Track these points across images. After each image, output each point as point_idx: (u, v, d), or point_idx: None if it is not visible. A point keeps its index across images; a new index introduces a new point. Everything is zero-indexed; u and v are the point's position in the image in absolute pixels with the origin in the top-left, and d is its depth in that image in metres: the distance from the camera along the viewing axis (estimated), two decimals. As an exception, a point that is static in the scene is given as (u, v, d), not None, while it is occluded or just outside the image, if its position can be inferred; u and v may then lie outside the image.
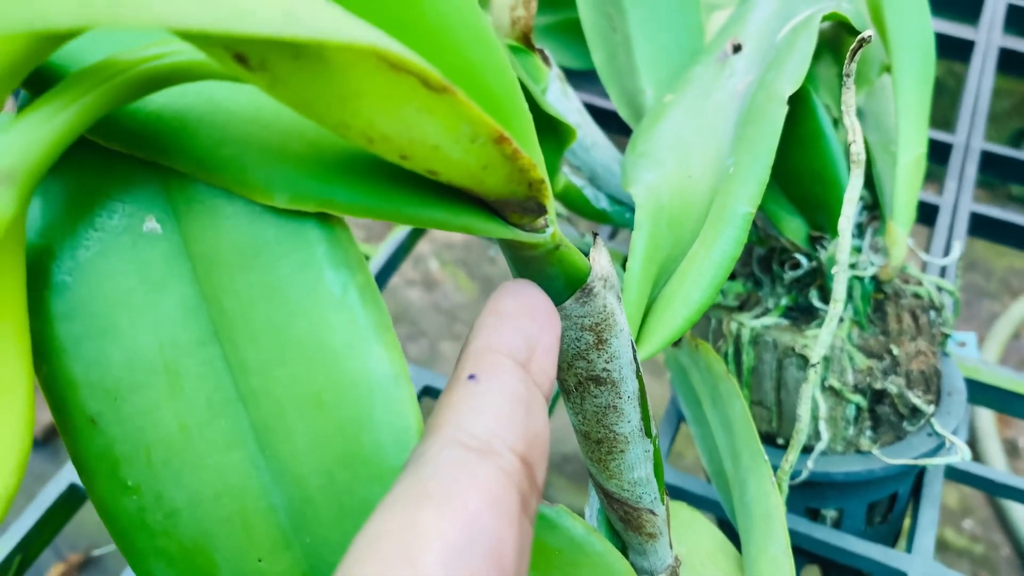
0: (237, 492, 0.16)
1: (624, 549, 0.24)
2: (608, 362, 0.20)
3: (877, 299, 0.36)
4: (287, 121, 0.15)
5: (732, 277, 0.38)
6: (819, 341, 0.24)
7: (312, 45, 0.12)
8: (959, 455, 0.34)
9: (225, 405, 0.15)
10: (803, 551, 0.38)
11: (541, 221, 0.17)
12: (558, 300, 0.19)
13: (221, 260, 0.15)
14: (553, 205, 0.17)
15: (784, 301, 0.36)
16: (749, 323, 0.35)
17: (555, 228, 0.18)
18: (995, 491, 0.38)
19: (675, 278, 0.24)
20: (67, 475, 0.38)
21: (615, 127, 0.50)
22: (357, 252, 0.15)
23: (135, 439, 0.15)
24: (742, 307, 0.37)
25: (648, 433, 0.22)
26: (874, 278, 0.36)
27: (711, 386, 0.30)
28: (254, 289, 0.15)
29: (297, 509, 0.16)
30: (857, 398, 0.34)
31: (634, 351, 0.20)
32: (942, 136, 0.53)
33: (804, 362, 0.34)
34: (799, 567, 0.40)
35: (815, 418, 0.34)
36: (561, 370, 0.21)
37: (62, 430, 0.15)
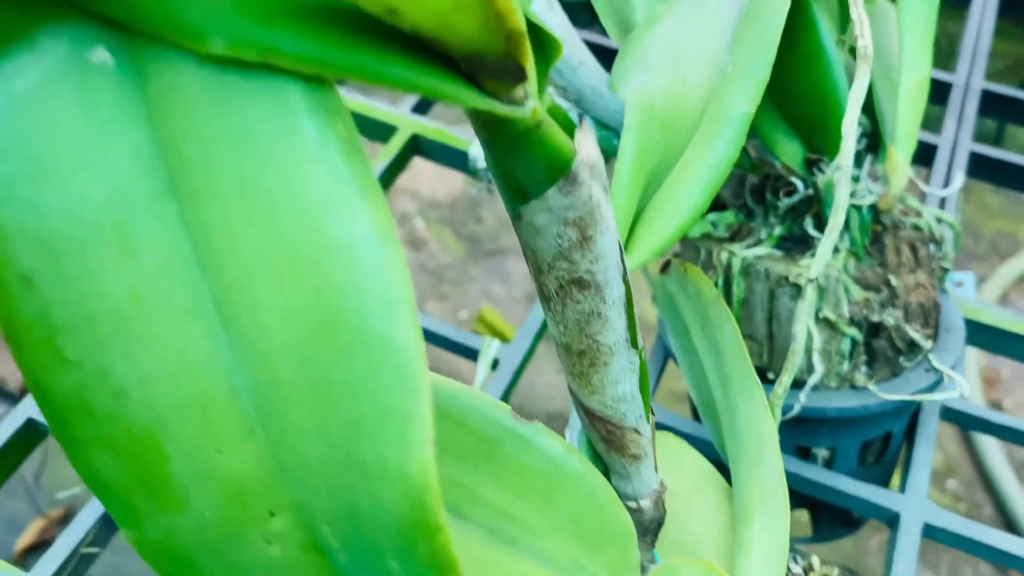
0: (195, 372, 0.14)
1: (607, 474, 0.23)
2: (592, 263, 0.18)
3: (875, 231, 0.35)
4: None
5: (723, 207, 0.36)
6: (818, 254, 0.23)
7: None
8: (957, 391, 0.33)
9: (183, 270, 0.14)
10: (792, 492, 0.37)
11: (520, 91, 0.15)
12: (538, 189, 0.17)
13: (182, 102, 0.13)
14: (534, 71, 0.15)
15: (777, 231, 0.34)
16: (741, 253, 0.33)
17: (536, 103, 0.16)
18: (992, 432, 0.37)
19: (667, 185, 0.22)
20: (25, 410, 0.36)
21: (608, 67, 0.48)
22: (338, 100, 0.13)
23: (78, 305, 0.13)
24: (733, 238, 0.35)
25: (634, 344, 0.20)
26: (872, 208, 0.34)
27: (700, 312, 0.28)
28: (220, 136, 0.13)
29: (263, 392, 0.14)
30: (853, 331, 0.33)
31: (621, 252, 0.19)
32: (942, 75, 0.51)
33: (797, 291, 0.32)
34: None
35: (808, 351, 0.32)
36: (541, 273, 0.19)
37: None
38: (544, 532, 0.21)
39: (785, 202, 0.34)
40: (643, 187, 0.22)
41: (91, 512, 0.34)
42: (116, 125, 0.14)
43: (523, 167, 0.17)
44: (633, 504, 0.23)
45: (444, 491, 0.21)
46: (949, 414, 0.37)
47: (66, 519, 0.98)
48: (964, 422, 0.37)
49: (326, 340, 0.14)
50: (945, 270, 0.36)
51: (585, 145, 0.17)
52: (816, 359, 0.32)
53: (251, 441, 0.15)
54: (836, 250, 0.34)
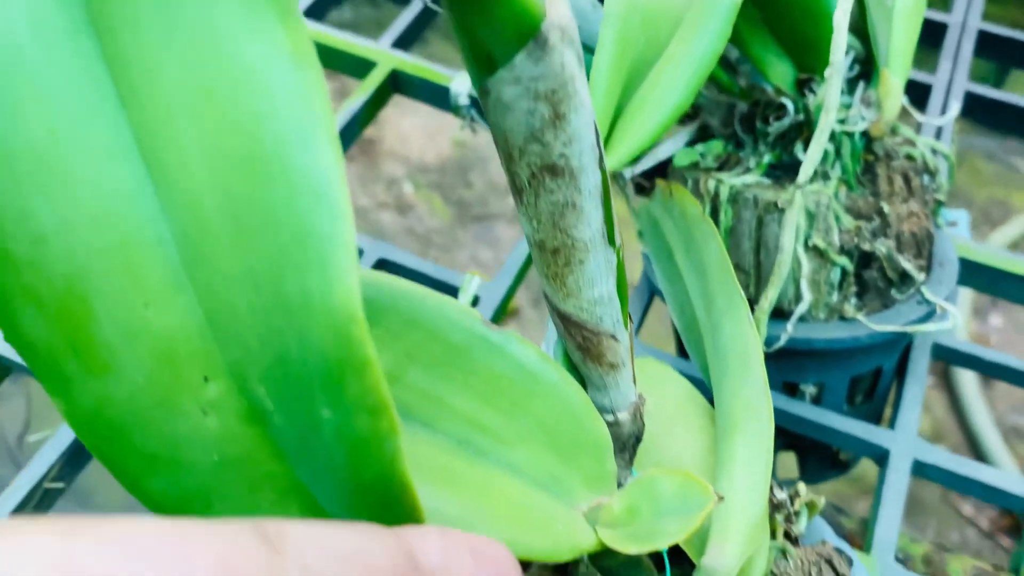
0: (117, 217, 0.13)
1: (583, 387, 0.22)
2: (566, 145, 0.17)
3: (868, 160, 0.34)
4: None
5: (712, 137, 0.35)
6: (808, 158, 0.22)
7: None
8: (950, 322, 0.32)
9: (103, 107, 0.13)
10: (780, 430, 0.36)
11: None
12: (505, 55, 0.16)
13: None
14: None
15: (767, 158, 0.33)
16: (728, 181, 0.32)
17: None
18: (983, 369, 0.36)
19: (648, 81, 0.21)
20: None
21: None
22: None
23: None
24: (721, 168, 0.34)
25: (611, 240, 0.19)
26: (865, 135, 0.33)
27: (685, 232, 0.27)
28: None
29: (188, 239, 0.13)
30: (843, 260, 0.32)
31: (597, 136, 0.18)
32: (938, 16, 0.50)
33: (781, 216, 0.31)
34: (774, 451, 0.37)
35: (797, 280, 0.31)
36: (512, 160, 0.18)
37: None
38: (516, 442, 0.20)
39: (775, 127, 0.32)
40: (623, 83, 0.21)
41: (55, 447, 0.32)
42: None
43: (488, 29, 0.16)
44: (610, 417, 0.22)
45: (413, 401, 0.20)
46: (940, 351, 0.36)
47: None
48: (955, 359, 0.36)
49: (247, 172, 0.12)
50: (939, 202, 0.35)
51: (556, 6, 0.16)
52: (804, 287, 0.31)
53: (180, 294, 0.14)
54: (827, 177, 0.32)
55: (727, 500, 0.21)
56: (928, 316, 0.33)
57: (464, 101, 0.45)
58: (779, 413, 0.34)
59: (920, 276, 0.33)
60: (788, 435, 0.37)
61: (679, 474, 0.20)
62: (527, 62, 0.16)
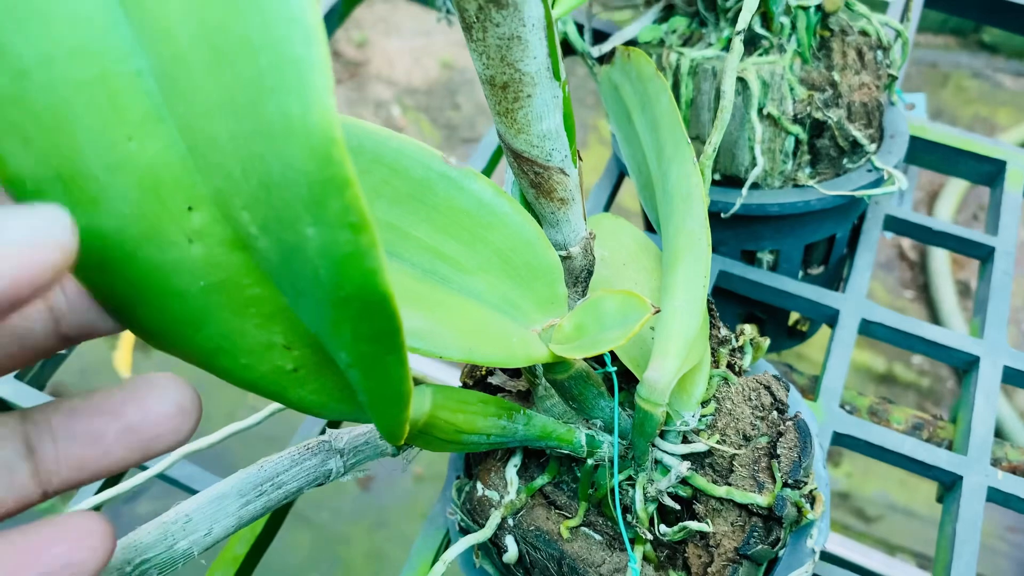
0: (95, 50, 0.14)
1: (538, 223, 0.24)
2: (509, -24, 0.19)
3: (823, 36, 0.35)
4: None
5: (675, 13, 0.36)
6: (740, 19, 0.23)
7: None
8: (896, 186, 0.33)
9: None
10: (738, 297, 0.38)
11: None
12: None
13: None
14: None
15: (727, 33, 0.34)
16: (689, 54, 0.34)
17: None
18: (930, 239, 0.38)
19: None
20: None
21: None
22: None
23: None
24: (685, 45, 0.36)
25: (556, 74, 0.21)
26: (819, 8, 0.34)
27: (641, 92, 0.28)
28: None
29: (165, 69, 0.14)
30: (796, 129, 0.33)
31: (538, -30, 0.19)
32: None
33: (743, 87, 0.33)
34: (734, 317, 0.40)
35: (751, 147, 0.33)
36: (461, -4, 0.19)
37: None
38: (475, 270, 0.22)
39: (733, 2, 0.34)
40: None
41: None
42: None
43: None
44: (563, 252, 0.24)
45: (380, 234, 0.22)
46: (891, 223, 0.38)
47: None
48: (905, 230, 0.38)
49: (221, 1, 0.14)
50: (892, 77, 0.36)
51: None
52: (759, 154, 0.33)
53: (161, 125, 0.15)
54: (782, 49, 0.34)
55: (666, 319, 0.23)
56: (877, 183, 0.34)
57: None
58: (738, 279, 0.36)
59: (871, 147, 0.35)
60: (747, 302, 0.39)
61: (621, 293, 0.22)
62: None
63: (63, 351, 0.30)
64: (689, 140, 0.25)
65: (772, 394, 0.26)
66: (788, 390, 0.26)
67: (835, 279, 0.40)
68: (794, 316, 0.42)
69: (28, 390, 0.34)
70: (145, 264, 0.16)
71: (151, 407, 0.17)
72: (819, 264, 0.39)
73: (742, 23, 0.24)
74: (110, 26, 0.14)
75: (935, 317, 1.01)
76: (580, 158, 0.23)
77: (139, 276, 0.16)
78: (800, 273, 0.38)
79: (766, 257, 0.37)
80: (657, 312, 0.21)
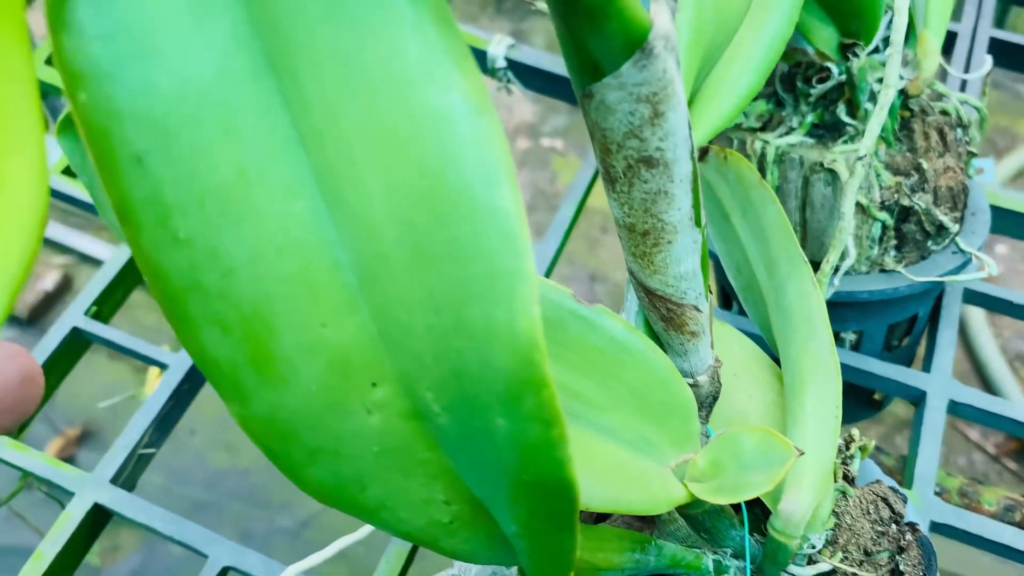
0: (300, 247, 0.14)
1: (664, 352, 0.24)
2: (662, 140, 0.19)
3: (904, 116, 0.35)
4: None
5: (754, 98, 0.36)
6: (868, 131, 0.23)
7: None
8: (985, 271, 0.33)
9: (285, 147, 0.14)
10: (820, 375, 0.38)
11: (600, -38, 0.16)
12: (614, 64, 0.17)
13: None
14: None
15: (810, 118, 0.34)
16: (774, 142, 0.34)
17: (615, -27, 0.16)
18: (1011, 312, 0.38)
19: (721, 64, 0.22)
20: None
21: None
22: None
23: (188, 184, 0.14)
24: (764, 128, 0.35)
25: (697, 222, 0.21)
26: (902, 92, 0.34)
27: (742, 197, 0.28)
28: (316, 11, 0.13)
29: (366, 264, 0.14)
30: (883, 215, 0.33)
31: (689, 128, 0.19)
32: (961, -40, 0.50)
33: (832, 177, 0.33)
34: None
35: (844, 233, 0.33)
36: (609, 153, 0.19)
37: (104, 173, 0.13)
38: (608, 407, 0.22)
39: (818, 89, 0.34)
40: (697, 68, 0.22)
41: (145, 415, 0.34)
42: (213, 3, 0.14)
43: (598, 40, 0.17)
44: (690, 380, 0.24)
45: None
46: (972, 296, 0.38)
47: (83, 438, 1.00)
48: (987, 304, 0.38)
49: (430, 209, 0.14)
50: (972, 154, 0.36)
51: (660, 17, 0.17)
52: (850, 244, 0.33)
53: (355, 314, 0.15)
54: (862, 135, 0.34)
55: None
56: (964, 265, 0.34)
57: (501, 64, 0.46)
58: (821, 360, 0.36)
59: (954, 227, 0.35)
60: (828, 379, 0.39)
61: (758, 430, 0.22)
62: (633, 70, 0.17)
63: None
64: (805, 258, 0.25)
65: (890, 506, 0.26)
66: (905, 502, 0.26)
67: (913, 352, 0.40)
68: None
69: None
70: (324, 433, 0.16)
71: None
72: (899, 341, 0.39)
73: (864, 149, 0.24)
74: (315, 224, 0.14)
75: (984, 381, 0.99)
76: (711, 291, 0.23)
77: (316, 443, 0.16)
78: (881, 349, 0.38)
79: (849, 336, 0.37)
80: (801, 455, 0.21)
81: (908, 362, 0.40)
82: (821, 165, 0.33)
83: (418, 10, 0.14)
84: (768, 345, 0.29)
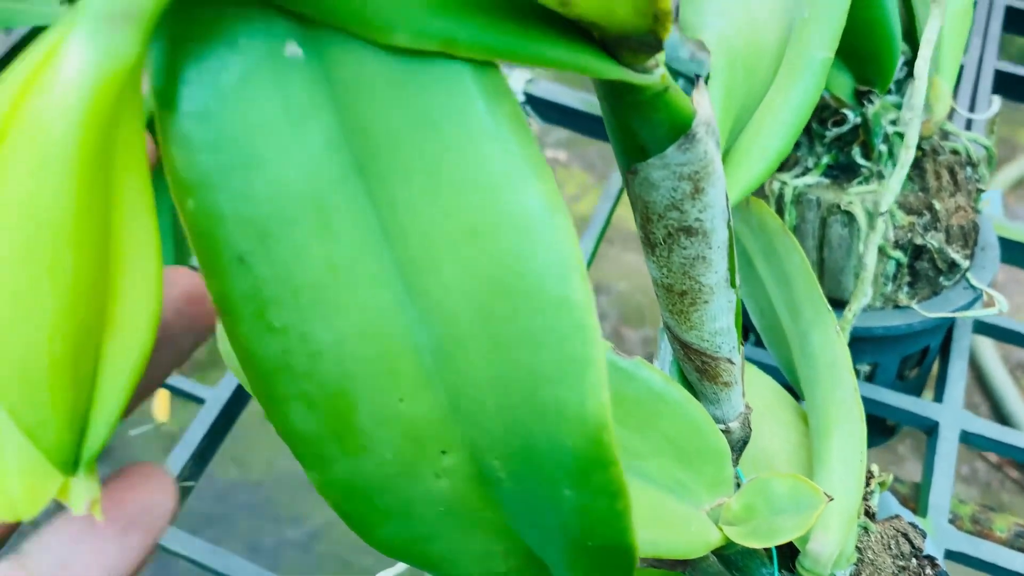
0: (382, 332, 0.15)
1: (696, 399, 0.25)
2: (702, 212, 0.20)
3: (916, 156, 0.36)
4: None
5: (770, 138, 0.37)
6: (889, 186, 0.24)
7: None
8: (996, 307, 0.35)
9: (371, 243, 0.15)
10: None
11: (651, 61, 0.17)
12: (659, 148, 0.18)
13: (365, 88, 0.14)
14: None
15: (825, 160, 0.36)
16: (792, 182, 0.35)
17: (664, 70, 0.17)
18: (1011, 339, 0.39)
19: (751, 127, 0.24)
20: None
21: None
22: (503, 80, 0.15)
23: (284, 279, 0.15)
24: (781, 168, 0.37)
25: (732, 283, 0.22)
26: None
27: (765, 243, 0.30)
28: (401, 119, 0.14)
29: (443, 347, 0.16)
30: (898, 254, 0.34)
31: (727, 199, 0.20)
32: (966, -8, 0.52)
33: (848, 219, 0.34)
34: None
35: (856, 274, 0.34)
36: (649, 222, 0.21)
37: (208, 271, 0.15)
38: (648, 455, 0.23)
39: (833, 132, 0.35)
40: (728, 129, 0.24)
41: (185, 449, 0.36)
42: (307, 112, 0.15)
43: (646, 128, 0.18)
44: (722, 426, 0.25)
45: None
46: (982, 327, 0.40)
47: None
48: (996, 334, 0.40)
49: (506, 300, 0.15)
50: (980, 191, 0.38)
51: (703, 105, 0.18)
52: (867, 282, 0.34)
53: (430, 390, 0.16)
54: (880, 176, 0.35)
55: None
56: (975, 300, 0.36)
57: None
58: (837, 391, 0.37)
59: (965, 263, 0.36)
60: (843, 408, 0.40)
61: (789, 477, 0.23)
62: (677, 152, 0.19)
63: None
64: (829, 307, 0.26)
65: (910, 541, 0.27)
66: (924, 537, 0.28)
67: (924, 381, 0.41)
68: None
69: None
70: (395, 496, 0.17)
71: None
72: (911, 370, 0.40)
73: (886, 205, 0.25)
74: (397, 311, 0.16)
75: (997, 410, 0.99)
76: (743, 342, 0.24)
77: (388, 505, 0.18)
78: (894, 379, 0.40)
79: (864, 368, 0.38)
80: (831, 500, 0.22)
81: (919, 390, 0.41)
82: (838, 207, 0.34)
83: (497, 119, 0.15)
84: (787, 379, 0.30)
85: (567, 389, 0.15)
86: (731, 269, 0.21)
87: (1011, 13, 0.51)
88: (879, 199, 0.34)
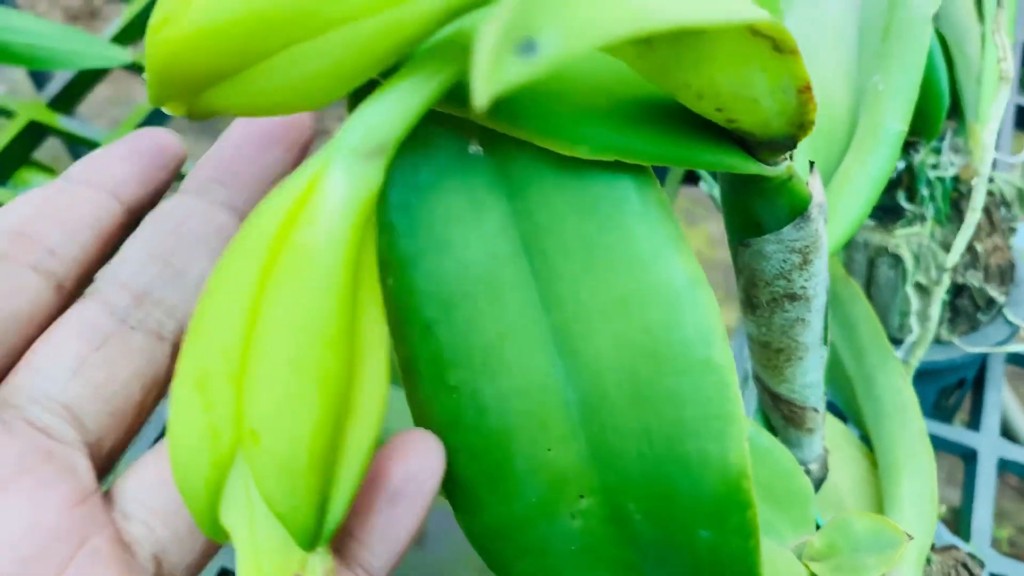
0: (537, 389, 0.17)
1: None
2: (807, 280, 0.22)
3: (952, 197, 0.38)
4: (592, 80, 0.16)
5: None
6: (955, 247, 0.26)
7: (706, 28, 0.12)
8: (1032, 342, 0.37)
9: (532, 311, 0.17)
10: (876, 433, 0.41)
11: (783, 155, 0.19)
12: (776, 226, 0.20)
13: (535, 180, 0.16)
14: (797, 141, 0.18)
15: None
16: (840, 225, 0.37)
17: (789, 162, 0.19)
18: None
19: (831, 194, 0.25)
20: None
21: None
22: (650, 173, 0.17)
23: (461, 344, 0.17)
24: (826, 208, 0.39)
25: (825, 341, 0.24)
26: (954, 178, 0.37)
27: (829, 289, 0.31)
28: (565, 205, 0.16)
29: (588, 402, 0.17)
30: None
31: (827, 268, 0.22)
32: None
33: (895, 261, 0.36)
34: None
35: (905, 314, 0.36)
36: (755, 287, 0.22)
37: (397, 338, 0.16)
38: (739, 497, 0.25)
39: (879, 177, 0.37)
40: (810, 196, 0.25)
41: None
42: (486, 201, 0.17)
43: (767, 210, 0.20)
44: (803, 468, 0.27)
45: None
46: (1014, 358, 0.42)
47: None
48: (1027, 365, 0.42)
49: (652, 362, 0.17)
50: (1013, 229, 0.40)
51: (817, 189, 0.20)
52: (914, 321, 0.36)
53: (575, 441, 0.18)
54: (923, 219, 0.37)
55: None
56: (1012, 335, 0.38)
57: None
58: (879, 420, 0.39)
59: (1002, 299, 0.38)
60: (881, 435, 0.42)
61: (869, 516, 0.25)
62: (791, 230, 0.20)
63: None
64: (895, 353, 0.28)
65: (969, 571, 0.29)
66: (983, 567, 0.30)
67: (956, 410, 0.44)
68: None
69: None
70: (534, 535, 0.19)
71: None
72: (948, 399, 0.42)
73: (951, 262, 0.27)
74: (550, 371, 0.18)
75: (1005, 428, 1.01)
76: (826, 393, 0.26)
77: (526, 543, 0.19)
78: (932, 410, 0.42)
79: (904, 398, 0.40)
80: (911, 539, 0.24)
81: (950, 419, 0.44)
82: (885, 250, 0.36)
83: (646, 204, 0.17)
84: (846, 415, 0.32)
85: (711, 442, 0.17)
86: (825, 328, 0.23)
87: (1028, 50, 0.54)
88: (921, 240, 0.36)
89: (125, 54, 0.43)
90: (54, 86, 0.48)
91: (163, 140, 0.19)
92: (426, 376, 0.17)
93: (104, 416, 0.17)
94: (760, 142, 0.17)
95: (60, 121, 0.47)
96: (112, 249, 0.18)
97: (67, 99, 0.49)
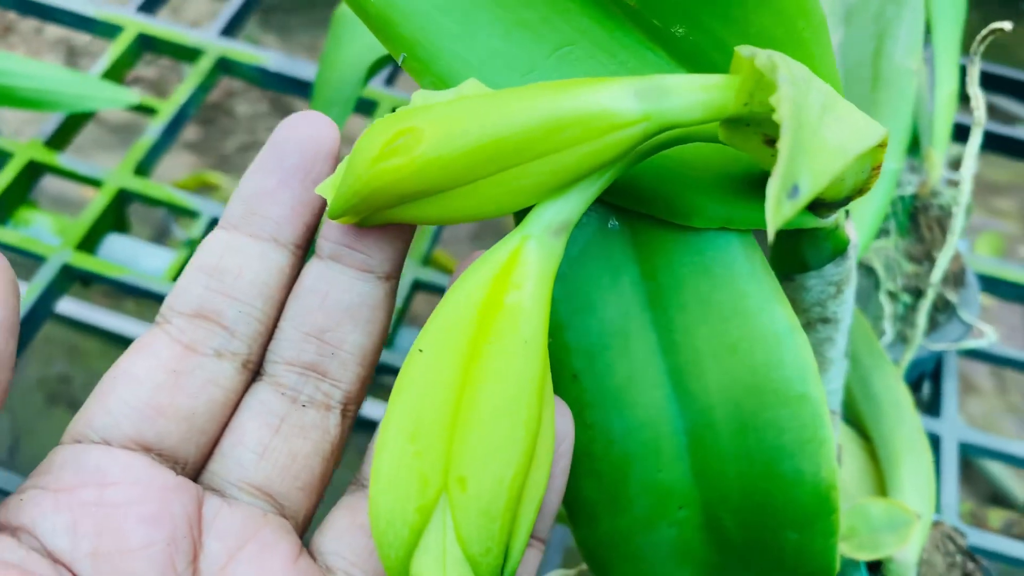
0: (654, 421, 0.20)
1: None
2: (839, 306, 0.26)
3: (911, 211, 0.43)
4: (707, 165, 0.19)
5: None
6: (938, 264, 0.31)
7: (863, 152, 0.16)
8: (986, 337, 0.42)
9: (653, 356, 0.20)
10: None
11: (838, 211, 0.22)
12: (820, 265, 0.24)
13: (659, 247, 0.20)
14: (847, 198, 0.22)
15: (843, 220, 0.42)
16: (819, 241, 0.41)
17: (838, 213, 0.23)
18: (998, 362, 0.47)
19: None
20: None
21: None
22: (751, 235, 0.20)
23: (599, 387, 0.20)
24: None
25: (847, 354, 0.28)
26: (913, 196, 0.42)
27: (820, 302, 0.36)
28: (684, 266, 0.20)
29: (696, 431, 0.21)
30: (907, 297, 0.41)
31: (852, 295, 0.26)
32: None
33: (868, 272, 0.41)
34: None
35: (878, 317, 0.41)
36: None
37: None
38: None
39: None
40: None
41: None
42: (621, 266, 0.20)
43: (814, 252, 0.24)
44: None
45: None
46: (965, 352, 0.47)
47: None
48: (979, 357, 0.47)
49: (756, 396, 0.20)
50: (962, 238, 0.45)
51: (852, 232, 0.24)
52: (887, 324, 0.41)
53: (681, 462, 0.21)
54: (887, 233, 0.42)
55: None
56: (966, 332, 0.43)
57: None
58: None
59: (956, 300, 0.43)
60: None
61: (883, 501, 0.29)
62: (831, 267, 0.24)
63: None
64: (890, 359, 0.32)
65: (955, 542, 0.34)
66: (965, 537, 0.34)
67: (929, 401, 0.49)
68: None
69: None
70: (635, 542, 0.22)
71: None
72: (915, 393, 0.47)
73: (936, 277, 0.31)
74: (665, 404, 0.21)
75: None
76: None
77: (629, 550, 0.22)
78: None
79: (874, 392, 0.45)
80: (920, 519, 0.28)
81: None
82: (860, 262, 0.40)
83: (751, 264, 0.20)
84: (843, 413, 0.36)
85: (805, 461, 0.20)
86: (848, 344, 0.27)
87: (986, 77, 0.59)
88: (888, 253, 0.41)
89: (134, 96, 0.44)
90: (48, 125, 0.49)
91: (314, 129, 0.18)
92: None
93: (294, 492, 0.19)
94: (825, 203, 0.21)
95: (59, 159, 0.48)
96: (285, 293, 0.19)
97: (62, 137, 0.50)
